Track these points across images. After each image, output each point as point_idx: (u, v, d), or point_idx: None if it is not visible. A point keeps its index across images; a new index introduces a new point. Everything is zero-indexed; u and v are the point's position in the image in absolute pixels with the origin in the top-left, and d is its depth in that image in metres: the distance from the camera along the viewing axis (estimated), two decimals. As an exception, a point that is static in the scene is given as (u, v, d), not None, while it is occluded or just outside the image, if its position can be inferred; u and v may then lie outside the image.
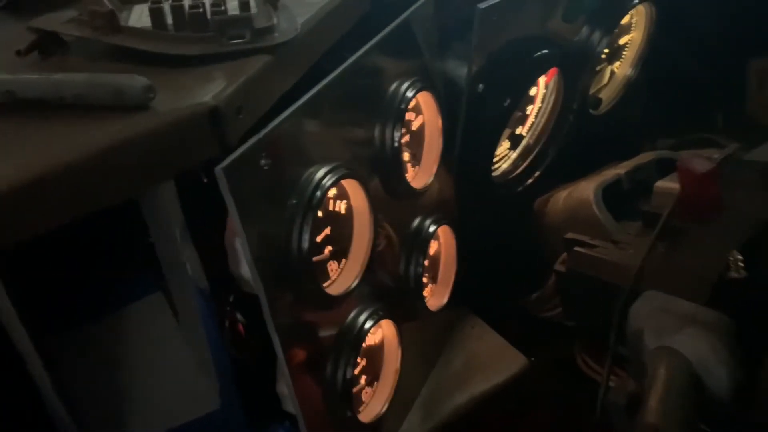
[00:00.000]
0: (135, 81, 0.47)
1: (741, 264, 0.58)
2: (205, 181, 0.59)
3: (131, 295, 0.65)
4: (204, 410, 0.62)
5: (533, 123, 0.91)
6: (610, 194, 0.81)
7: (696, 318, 0.57)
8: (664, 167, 0.83)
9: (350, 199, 0.59)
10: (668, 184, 0.73)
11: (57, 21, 0.64)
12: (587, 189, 0.80)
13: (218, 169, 0.43)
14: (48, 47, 0.65)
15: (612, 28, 0.91)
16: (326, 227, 0.56)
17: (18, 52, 0.64)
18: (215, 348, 0.59)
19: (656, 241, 0.65)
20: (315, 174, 0.53)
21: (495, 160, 0.87)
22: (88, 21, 0.62)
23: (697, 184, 0.64)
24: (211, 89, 0.50)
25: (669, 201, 0.69)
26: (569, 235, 0.75)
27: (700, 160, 0.65)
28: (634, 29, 0.99)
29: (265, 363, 0.63)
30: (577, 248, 0.73)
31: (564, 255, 0.77)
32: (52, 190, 0.43)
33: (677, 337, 0.56)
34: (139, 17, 0.63)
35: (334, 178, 0.53)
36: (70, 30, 0.62)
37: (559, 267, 0.77)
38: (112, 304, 0.65)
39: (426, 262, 0.72)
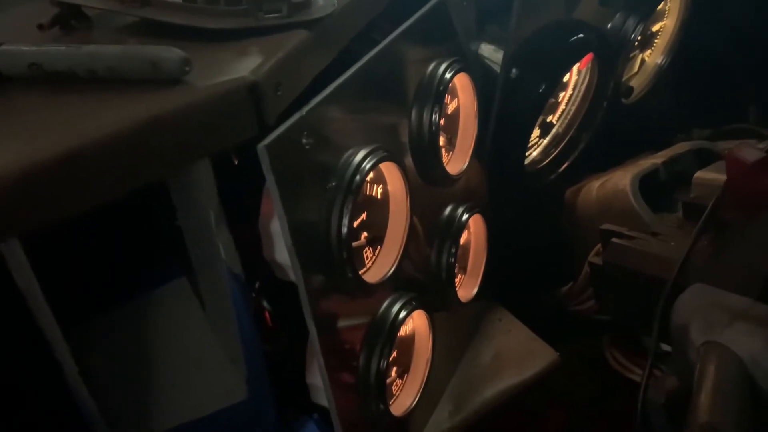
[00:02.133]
0: (171, 53, 0.45)
1: (795, 258, 0.56)
2: (237, 162, 0.56)
3: (155, 281, 0.63)
4: (232, 400, 0.60)
5: (564, 110, 0.88)
6: (646, 185, 0.78)
7: (748, 313, 0.54)
8: (702, 158, 0.80)
9: (387, 183, 0.56)
10: (709, 174, 0.70)
11: (82, -7, 0.62)
12: (623, 179, 0.78)
13: (261, 146, 0.41)
14: (70, 22, 0.63)
15: (648, 14, 0.88)
16: (363, 212, 0.54)
17: (40, 26, 0.62)
18: (246, 336, 0.56)
19: (701, 232, 0.63)
20: (354, 156, 0.50)
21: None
22: (115, -6, 0.59)
23: (747, 174, 0.62)
24: (249, 64, 0.47)
25: (711, 192, 0.66)
26: (605, 226, 0.73)
27: (750, 150, 0.63)
28: (668, 16, 0.97)
29: (293, 353, 0.60)
30: (614, 240, 0.71)
31: (598, 246, 0.75)
32: (84, 169, 0.41)
33: (727, 333, 0.54)
34: (168, -9, 0.61)
35: (373, 161, 0.51)
36: (95, 3, 0.59)
37: (593, 259, 0.75)
38: (135, 289, 0.63)
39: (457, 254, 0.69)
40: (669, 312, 0.60)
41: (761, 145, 0.69)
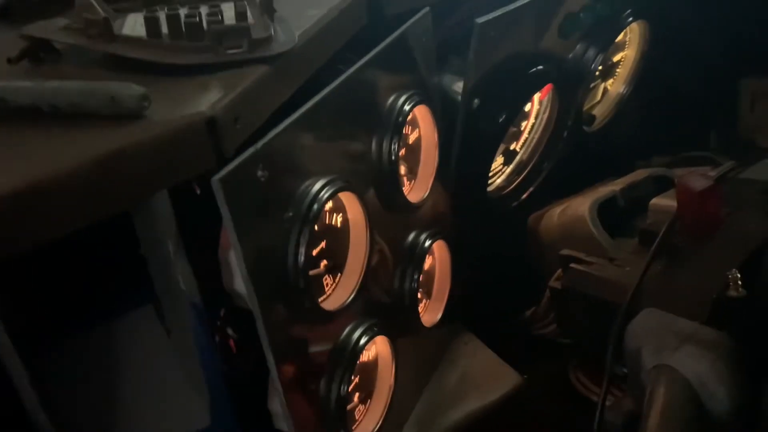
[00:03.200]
0: (130, 89, 0.47)
1: (740, 282, 0.58)
2: (199, 192, 0.58)
3: (121, 308, 0.64)
4: (194, 427, 0.61)
5: (527, 139, 0.91)
6: (605, 211, 0.80)
7: (695, 336, 0.56)
8: (659, 184, 0.83)
9: (347, 212, 0.58)
10: (664, 201, 0.73)
11: (50, 28, 0.63)
12: (582, 205, 0.80)
13: (215, 179, 0.42)
14: (40, 55, 0.65)
15: (607, 45, 0.91)
16: (322, 241, 0.55)
17: (9, 60, 0.63)
18: (207, 363, 0.57)
19: (653, 259, 0.65)
20: (312, 187, 0.52)
21: (489, 175, 0.86)
22: (82, 29, 0.61)
23: (696, 201, 0.64)
24: (208, 99, 0.49)
25: (665, 218, 0.68)
26: (564, 252, 0.75)
27: (698, 177, 0.65)
28: (628, 47, 1.00)
29: (257, 379, 0.61)
30: (573, 265, 0.73)
31: (559, 272, 0.77)
32: (44, 201, 0.42)
33: (676, 356, 0.56)
34: (133, 26, 0.62)
35: (331, 191, 0.52)
36: (63, 38, 0.61)
37: (554, 284, 0.76)
38: (100, 316, 0.64)
39: (420, 278, 0.71)
40: (623, 336, 0.62)
41: (712, 173, 0.71)
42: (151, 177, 0.46)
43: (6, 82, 0.52)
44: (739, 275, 0.58)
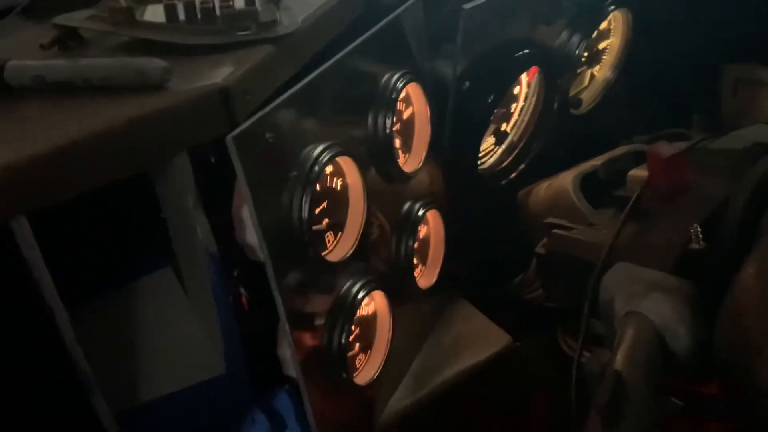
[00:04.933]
0: (154, 63, 0.53)
1: (701, 236, 0.64)
2: (213, 160, 0.65)
3: (142, 270, 0.71)
4: (210, 374, 0.67)
5: (517, 120, 0.97)
6: (588, 184, 0.86)
7: (660, 284, 0.62)
8: (639, 159, 0.89)
9: (346, 176, 0.64)
10: (640, 172, 0.78)
11: (78, 18, 0.70)
12: (566, 178, 0.86)
13: (229, 137, 0.49)
14: (68, 43, 0.72)
15: (590, 32, 0.97)
16: (324, 201, 0.62)
17: (42, 46, 0.70)
18: (222, 314, 0.64)
19: (626, 220, 0.71)
20: (314, 150, 0.58)
21: (482, 155, 0.93)
22: (107, 17, 0.68)
23: (664, 167, 0.70)
24: (222, 72, 0.56)
25: (638, 187, 0.75)
26: (549, 220, 0.81)
27: (667, 146, 0.71)
28: (613, 34, 1.06)
29: (267, 329, 0.68)
30: (556, 231, 0.79)
31: (545, 239, 0.83)
32: (82, 157, 0.49)
33: (644, 303, 0.62)
34: (153, 14, 0.69)
35: (330, 154, 0.59)
36: (91, 25, 0.68)
37: (539, 250, 0.83)
38: (124, 277, 0.70)
39: (416, 245, 0.77)
40: (598, 289, 0.68)
41: (680, 144, 0.78)
42: (173, 139, 0.53)
43: (42, 62, 0.59)
44: (700, 230, 0.64)
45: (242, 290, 0.72)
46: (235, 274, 0.70)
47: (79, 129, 0.50)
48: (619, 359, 0.58)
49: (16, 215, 0.49)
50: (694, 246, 0.64)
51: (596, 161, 0.89)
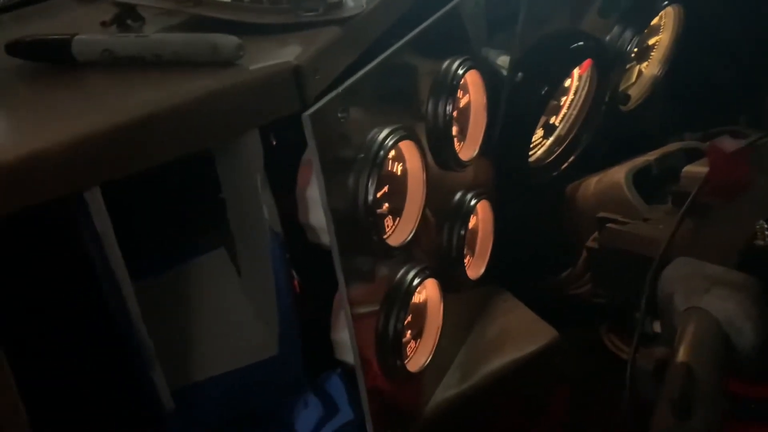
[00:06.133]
0: (229, 39, 0.53)
1: (767, 233, 0.63)
2: (274, 143, 0.64)
3: (196, 250, 0.71)
4: (263, 356, 0.67)
5: (566, 114, 0.96)
6: (640, 180, 0.86)
7: (723, 279, 0.61)
8: (691, 156, 0.88)
9: (406, 161, 0.64)
10: (696, 168, 0.78)
11: (139, -4, 0.70)
12: (618, 173, 0.86)
13: (305, 115, 0.49)
14: (127, 22, 0.72)
15: (642, 27, 0.96)
16: (385, 185, 0.61)
17: (103, 23, 0.70)
18: (282, 295, 0.64)
19: (686, 214, 0.70)
20: (379, 134, 0.58)
21: (530, 146, 0.92)
22: (171, -5, 0.68)
23: (726, 162, 0.69)
24: (292, 52, 0.55)
25: (696, 183, 0.74)
26: (601, 214, 0.80)
27: (729, 141, 0.70)
28: (663, 31, 1.05)
29: (319, 315, 0.68)
30: (609, 225, 0.78)
31: (596, 234, 0.82)
32: (157, 131, 0.49)
33: (706, 298, 0.61)
34: (216, -6, 0.69)
35: (395, 138, 0.58)
36: (154, 3, 0.68)
37: (591, 244, 0.82)
38: (176, 257, 0.70)
39: (466, 234, 0.77)
40: (656, 284, 0.67)
41: (741, 140, 0.77)
42: (245, 116, 0.53)
43: (111, 36, 0.59)
44: (766, 226, 0.63)
45: (294, 273, 0.72)
46: (287, 256, 0.70)
47: (152, 101, 0.50)
48: (684, 354, 0.57)
49: (91, 187, 0.49)
50: (760, 242, 0.63)
51: (648, 156, 0.88)
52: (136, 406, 0.61)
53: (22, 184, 0.45)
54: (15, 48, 0.62)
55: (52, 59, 0.61)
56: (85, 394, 0.58)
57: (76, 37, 0.60)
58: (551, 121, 0.94)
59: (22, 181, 0.45)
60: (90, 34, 0.60)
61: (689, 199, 0.71)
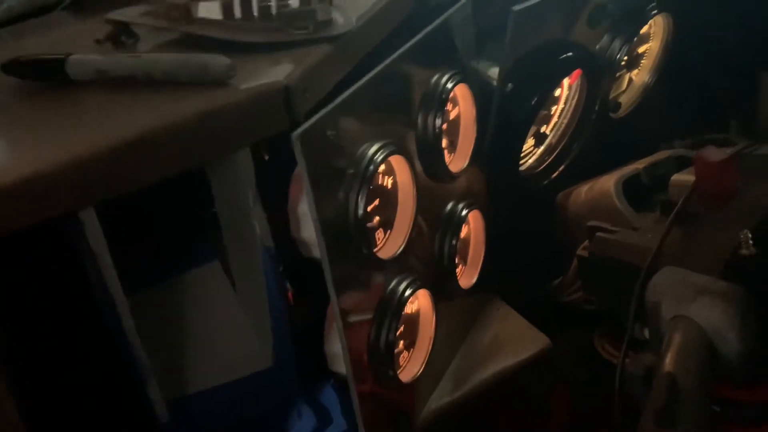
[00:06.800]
0: (220, 59, 0.54)
1: (751, 242, 0.64)
2: (266, 158, 0.65)
3: (189, 263, 0.72)
4: (257, 368, 0.68)
5: (556, 122, 0.97)
6: (630, 189, 0.86)
7: (710, 288, 0.62)
8: (680, 163, 0.89)
9: (396, 175, 0.65)
10: (684, 176, 0.78)
11: (132, 14, 0.72)
12: (608, 182, 0.86)
13: (295, 134, 0.50)
14: (121, 39, 0.73)
15: (632, 36, 0.97)
16: (375, 199, 0.62)
17: (97, 41, 0.72)
18: (274, 308, 0.65)
19: (673, 223, 0.71)
20: (369, 149, 0.59)
21: (521, 155, 0.93)
22: (163, 13, 0.69)
23: (713, 172, 0.70)
24: (282, 71, 0.56)
25: (684, 191, 0.75)
26: (592, 223, 0.81)
27: (716, 151, 0.71)
28: (653, 39, 1.06)
29: (312, 327, 0.69)
30: (599, 234, 0.79)
31: (586, 242, 0.83)
32: (150, 150, 0.50)
33: (692, 307, 0.62)
34: (208, 11, 0.70)
35: (385, 153, 0.60)
36: (146, 21, 0.69)
37: (581, 252, 0.83)
38: (171, 270, 0.71)
39: (457, 244, 0.78)
40: (644, 292, 0.68)
41: (728, 150, 0.78)
42: (235, 135, 0.54)
43: (105, 56, 0.60)
44: (750, 235, 0.64)
45: (287, 285, 0.73)
46: (280, 269, 0.71)
47: (146, 122, 0.51)
48: (669, 363, 0.58)
49: (86, 206, 0.50)
50: (744, 252, 0.64)
51: (638, 165, 0.89)
52: (132, 418, 0.62)
53: (19, 205, 0.46)
54: (12, 67, 0.64)
55: (47, 78, 0.63)
56: (81, 408, 0.59)
57: (71, 57, 0.61)
58: (542, 130, 0.95)
59: (19, 202, 0.46)
60: (84, 54, 0.61)
61: (676, 209, 0.72)
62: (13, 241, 0.48)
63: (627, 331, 0.69)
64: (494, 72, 0.84)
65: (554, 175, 0.96)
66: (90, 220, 0.51)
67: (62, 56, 0.61)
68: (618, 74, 1.02)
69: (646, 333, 0.72)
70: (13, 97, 0.62)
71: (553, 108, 0.95)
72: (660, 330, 0.65)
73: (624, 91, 1.07)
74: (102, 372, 0.60)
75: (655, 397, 0.54)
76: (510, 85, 0.84)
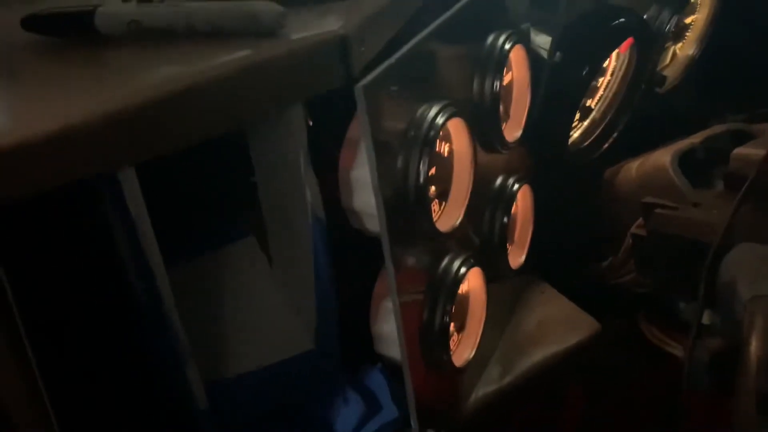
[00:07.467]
0: (270, 7, 0.49)
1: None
2: (311, 123, 0.60)
3: (224, 239, 0.67)
4: (299, 349, 0.63)
5: (602, 96, 0.92)
6: (684, 163, 0.82)
7: (795, 264, 0.58)
8: (737, 138, 0.84)
9: (452, 142, 0.60)
10: (749, 150, 0.74)
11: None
12: (663, 156, 0.81)
13: (359, 86, 0.45)
14: (148, -5, 0.67)
15: (681, 6, 0.92)
16: (432, 167, 0.57)
17: (124, -3, 0.66)
18: (322, 286, 0.60)
19: (745, 197, 0.66)
20: (429, 110, 0.54)
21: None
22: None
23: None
24: (338, 21, 0.51)
25: (749, 166, 0.70)
26: (647, 200, 0.76)
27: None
28: (699, 9, 1.01)
29: (357, 306, 0.64)
30: (658, 210, 0.74)
31: (640, 220, 0.78)
32: (194, 107, 0.45)
33: (775, 285, 0.57)
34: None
35: (446, 115, 0.54)
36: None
37: (636, 230, 0.78)
38: (206, 245, 0.66)
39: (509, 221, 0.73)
40: (714, 273, 0.63)
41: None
42: (287, 89, 0.48)
43: (138, 6, 0.55)
44: (836, 207, 0.59)
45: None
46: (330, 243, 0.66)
47: (189, 75, 0.45)
48: (755, 350, 0.53)
49: (122, 167, 0.45)
50: (830, 225, 0.59)
51: (693, 139, 0.84)
52: (169, 403, 0.57)
53: (51, 162, 0.41)
54: (32, 22, 0.58)
55: (72, 33, 0.57)
56: (115, 391, 0.54)
57: (100, 8, 0.55)
58: (587, 104, 0.90)
59: (50, 158, 0.41)
60: (114, 4, 0.55)
61: (749, 181, 0.66)
62: (42, 204, 0.43)
63: (697, 313, 0.64)
64: (543, 41, 0.79)
65: (601, 150, 0.91)
66: (129, 181, 0.46)
67: (90, 7, 0.55)
68: (665, 46, 0.97)
69: (706, 317, 0.67)
70: (35, 55, 0.56)
71: (600, 80, 0.90)
72: (735, 311, 0.60)
73: (668, 65, 1.02)
74: (138, 354, 0.55)
75: (749, 381, 0.49)
76: (558, 54, 0.78)
